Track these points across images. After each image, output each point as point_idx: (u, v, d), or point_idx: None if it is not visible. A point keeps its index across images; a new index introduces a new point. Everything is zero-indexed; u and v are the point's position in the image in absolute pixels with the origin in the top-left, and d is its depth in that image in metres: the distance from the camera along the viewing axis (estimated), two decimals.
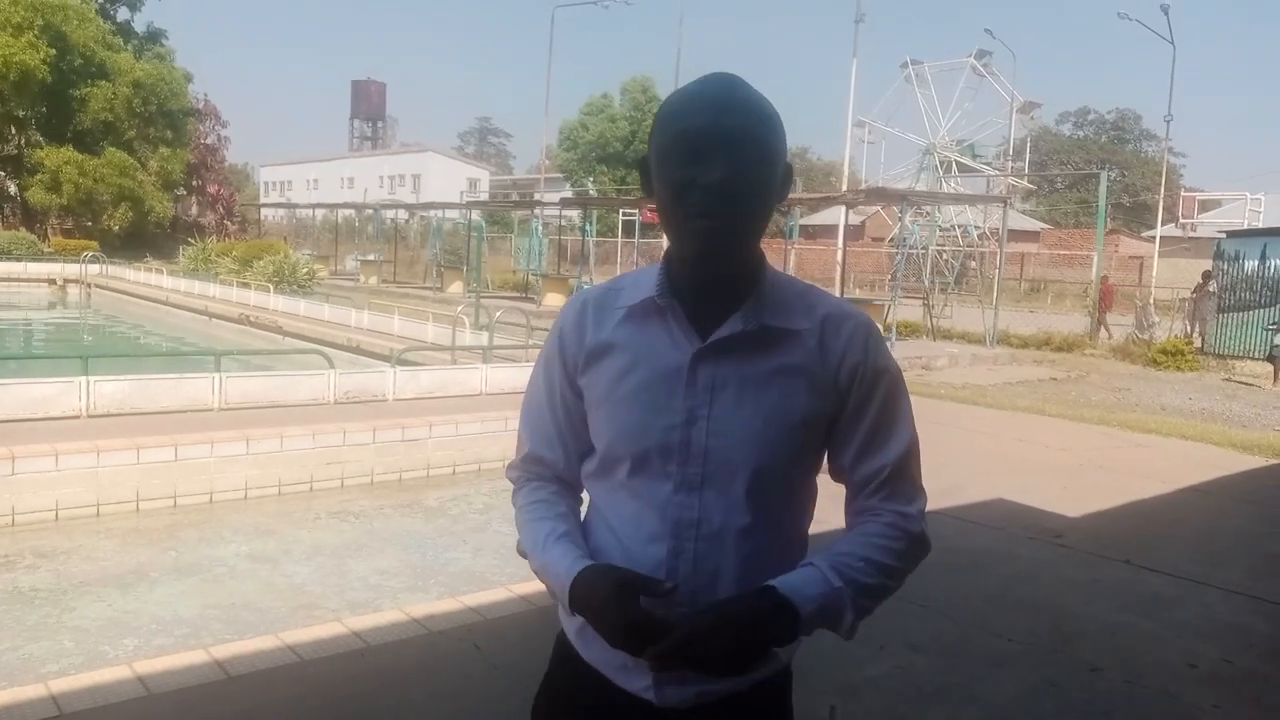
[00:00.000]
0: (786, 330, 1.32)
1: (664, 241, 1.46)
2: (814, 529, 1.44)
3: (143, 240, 39.49)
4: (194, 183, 46.91)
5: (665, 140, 1.27)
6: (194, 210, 47.77)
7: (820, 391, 1.33)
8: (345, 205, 47.30)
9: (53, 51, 36.95)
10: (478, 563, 6.37)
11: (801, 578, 1.28)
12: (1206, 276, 19.57)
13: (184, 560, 6.24)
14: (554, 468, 1.46)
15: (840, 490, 1.46)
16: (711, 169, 1.23)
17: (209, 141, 49.23)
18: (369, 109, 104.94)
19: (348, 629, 4.03)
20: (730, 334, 1.29)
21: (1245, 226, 27.08)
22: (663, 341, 1.32)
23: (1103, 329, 21.48)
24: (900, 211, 22.18)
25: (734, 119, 1.24)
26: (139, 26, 45.85)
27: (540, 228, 32.03)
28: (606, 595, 1.24)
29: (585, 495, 1.50)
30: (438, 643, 3.95)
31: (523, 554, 1.42)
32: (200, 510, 6.98)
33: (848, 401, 1.35)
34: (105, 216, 39.66)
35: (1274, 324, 16.52)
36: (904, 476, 1.39)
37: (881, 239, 41.14)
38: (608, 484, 1.38)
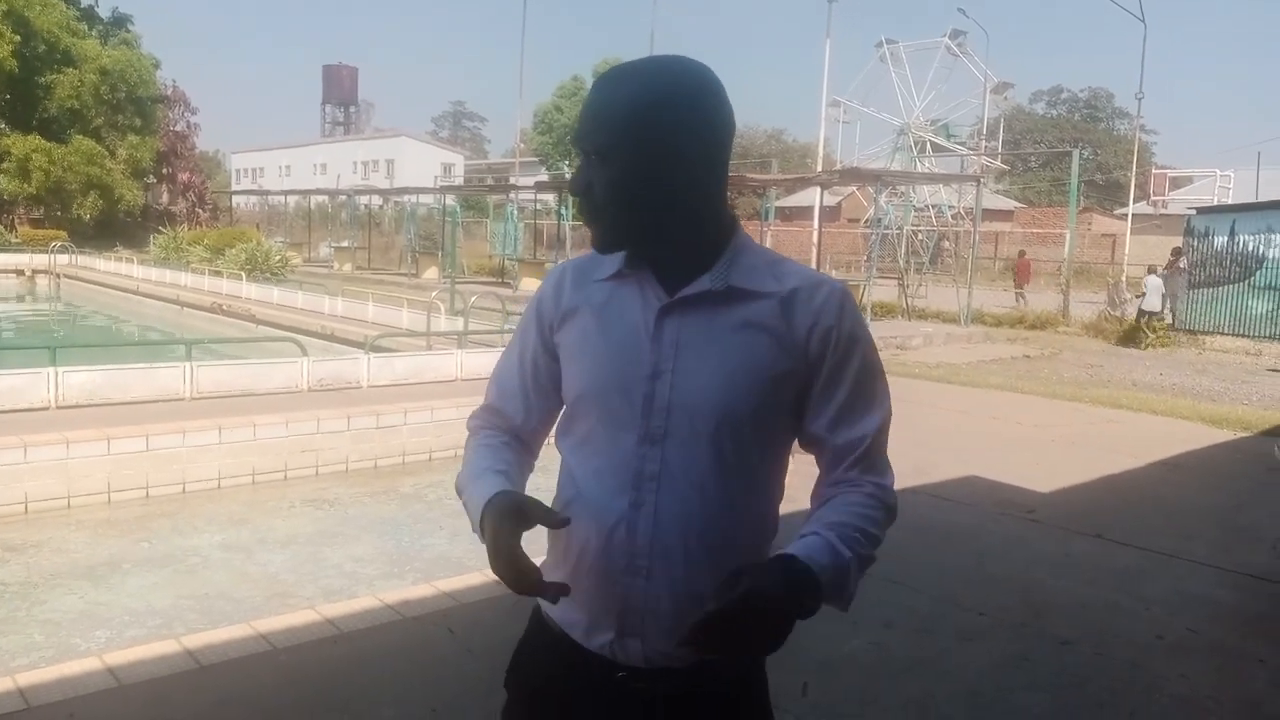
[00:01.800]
0: (753, 292, 1.33)
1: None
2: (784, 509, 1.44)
3: (113, 229, 38.93)
4: (164, 170, 46.26)
5: None
6: (165, 198, 47.15)
7: (787, 352, 1.32)
8: (318, 191, 46.88)
9: (17, 38, 36.29)
10: (454, 548, 6.35)
11: (813, 547, 1.26)
12: (1176, 253, 19.79)
13: (156, 551, 6.20)
14: (510, 421, 1.49)
15: (806, 471, 1.45)
16: (575, 174, 1.34)
17: (179, 129, 48.52)
18: (341, 94, 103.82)
19: (321, 616, 4.01)
20: (696, 292, 1.32)
21: (1215, 203, 27.26)
22: (634, 299, 1.36)
23: (1020, 299, 23.55)
24: (875, 192, 22.23)
25: (586, 124, 1.32)
26: (104, 12, 45.13)
27: (516, 212, 31.82)
28: (489, 521, 1.28)
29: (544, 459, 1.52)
30: (412, 628, 3.94)
31: (459, 490, 1.44)
32: (173, 500, 6.92)
33: (821, 367, 1.34)
34: (74, 205, 39.04)
35: (1139, 295, 18.97)
36: (880, 449, 1.40)
37: (857, 220, 41.16)
38: (575, 438, 1.41)
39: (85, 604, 5.34)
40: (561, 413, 1.46)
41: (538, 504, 1.28)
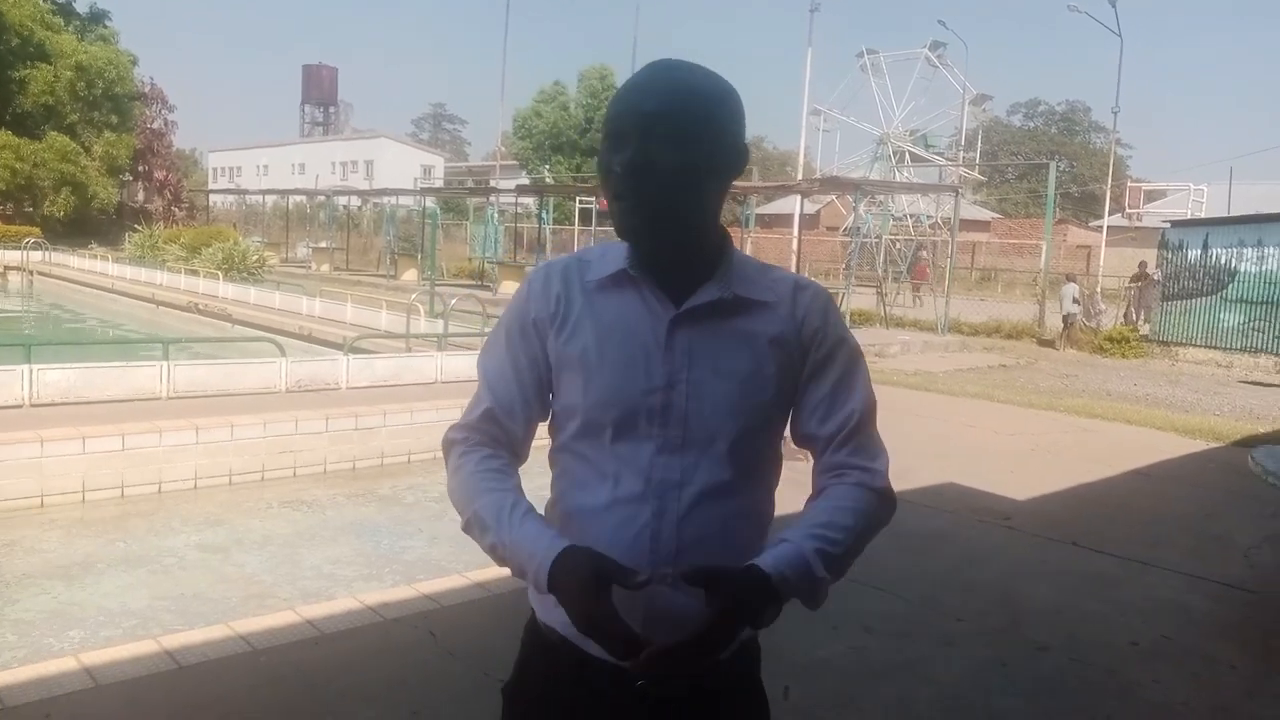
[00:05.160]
0: (754, 301, 1.37)
1: None
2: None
3: (87, 227, 38.47)
4: (140, 168, 45.78)
5: (603, 126, 1.35)
6: (140, 196, 46.65)
7: (786, 354, 1.38)
8: (296, 191, 46.50)
9: None
10: (433, 551, 6.33)
11: (786, 561, 1.26)
12: (1143, 266, 20.18)
13: (132, 551, 6.13)
14: (512, 435, 1.44)
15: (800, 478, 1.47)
16: (623, 153, 1.30)
17: (155, 126, 48.07)
18: (320, 94, 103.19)
19: (301, 617, 3.99)
20: (705, 301, 1.34)
21: (1189, 217, 27.59)
22: (637, 309, 1.36)
23: (917, 299, 25.36)
24: (854, 201, 22.37)
25: (650, 104, 1.29)
26: (81, 7, 44.63)
27: (496, 215, 31.77)
28: (580, 584, 1.21)
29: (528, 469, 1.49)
30: (393, 630, 3.93)
31: (474, 523, 1.35)
32: (149, 500, 6.86)
33: (809, 365, 1.41)
34: (47, 202, 38.58)
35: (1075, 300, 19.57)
36: (866, 431, 1.43)
37: (836, 228, 41.39)
38: (585, 447, 1.38)
39: (58, 604, 5.29)
40: (562, 420, 1.41)
41: (611, 564, 1.23)
